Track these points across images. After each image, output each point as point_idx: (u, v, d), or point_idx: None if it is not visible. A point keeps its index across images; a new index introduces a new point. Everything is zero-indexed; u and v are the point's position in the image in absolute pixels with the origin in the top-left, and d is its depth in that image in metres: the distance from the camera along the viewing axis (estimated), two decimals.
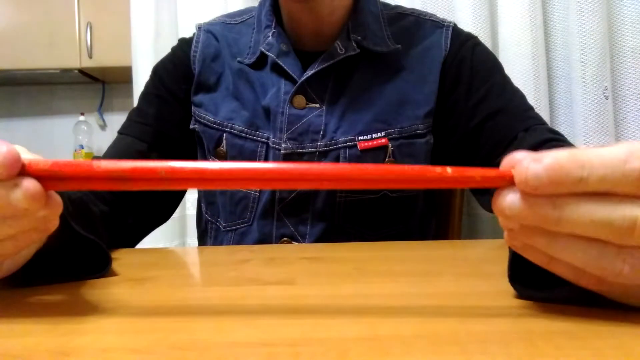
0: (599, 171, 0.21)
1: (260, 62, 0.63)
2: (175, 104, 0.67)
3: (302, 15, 0.63)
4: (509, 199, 0.23)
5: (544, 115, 0.97)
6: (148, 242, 0.68)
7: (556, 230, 0.23)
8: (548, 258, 0.25)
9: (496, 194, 0.24)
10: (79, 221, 0.38)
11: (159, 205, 0.68)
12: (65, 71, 2.30)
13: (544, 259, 0.25)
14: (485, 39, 0.95)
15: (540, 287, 0.28)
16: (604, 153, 0.22)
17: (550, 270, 0.25)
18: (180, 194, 0.74)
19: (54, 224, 0.30)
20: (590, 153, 0.22)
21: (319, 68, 0.60)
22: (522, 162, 0.23)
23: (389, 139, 0.60)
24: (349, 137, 0.60)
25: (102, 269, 0.38)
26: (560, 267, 0.25)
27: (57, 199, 0.28)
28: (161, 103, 0.67)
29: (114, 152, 0.64)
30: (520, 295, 0.29)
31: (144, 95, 0.69)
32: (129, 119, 0.68)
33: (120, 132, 0.67)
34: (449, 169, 0.25)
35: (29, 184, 0.26)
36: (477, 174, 0.25)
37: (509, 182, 0.23)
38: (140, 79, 1.06)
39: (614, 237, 0.22)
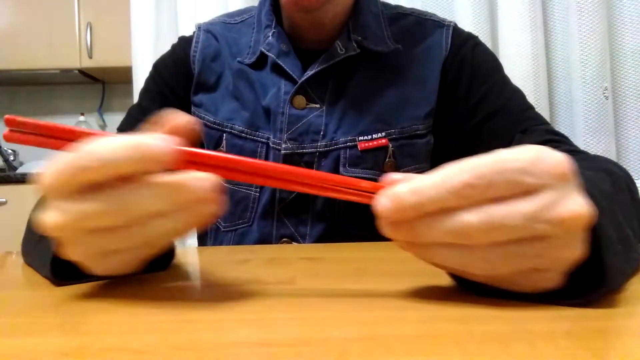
0: (430, 195, 0.25)
1: (260, 62, 0.63)
2: (176, 102, 0.67)
3: (305, 20, 0.63)
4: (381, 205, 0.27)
5: (544, 115, 0.96)
6: None
7: (422, 242, 0.27)
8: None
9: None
10: None
11: None
12: (65, 71, 2.31)
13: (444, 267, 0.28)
14: (485, 39, 0.95)
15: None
16: (432, 178, 0.26)
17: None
18: None
19: (208, 219, 0.29)
20: (422, 180, 0.26)
21: (319, 68, 0.60)
22: (377, 197, 0.27)
23: (389, 139, 0.60)
24: (349, 138, 0.60)
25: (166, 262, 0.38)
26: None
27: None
28: (163, 100, 0.67)
29: None
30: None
31: (145, 92, 0.69)
32: (129, 116, 0.68)
33: (120, 129, 0.67)
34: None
35: (208, 175, 0.27)
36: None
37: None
38: (140, 79, 1.06)
39: (463, 241, 0.25)
